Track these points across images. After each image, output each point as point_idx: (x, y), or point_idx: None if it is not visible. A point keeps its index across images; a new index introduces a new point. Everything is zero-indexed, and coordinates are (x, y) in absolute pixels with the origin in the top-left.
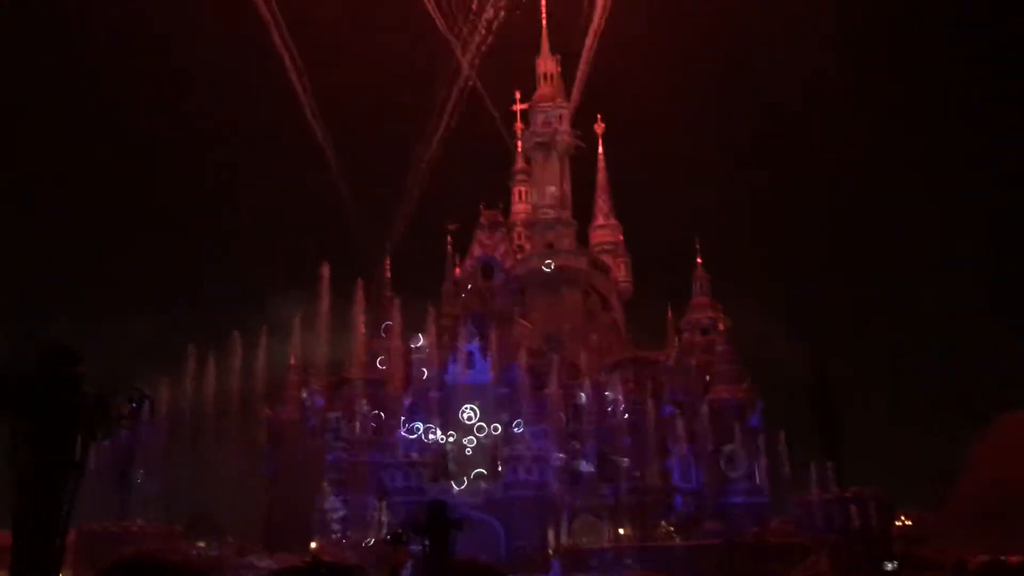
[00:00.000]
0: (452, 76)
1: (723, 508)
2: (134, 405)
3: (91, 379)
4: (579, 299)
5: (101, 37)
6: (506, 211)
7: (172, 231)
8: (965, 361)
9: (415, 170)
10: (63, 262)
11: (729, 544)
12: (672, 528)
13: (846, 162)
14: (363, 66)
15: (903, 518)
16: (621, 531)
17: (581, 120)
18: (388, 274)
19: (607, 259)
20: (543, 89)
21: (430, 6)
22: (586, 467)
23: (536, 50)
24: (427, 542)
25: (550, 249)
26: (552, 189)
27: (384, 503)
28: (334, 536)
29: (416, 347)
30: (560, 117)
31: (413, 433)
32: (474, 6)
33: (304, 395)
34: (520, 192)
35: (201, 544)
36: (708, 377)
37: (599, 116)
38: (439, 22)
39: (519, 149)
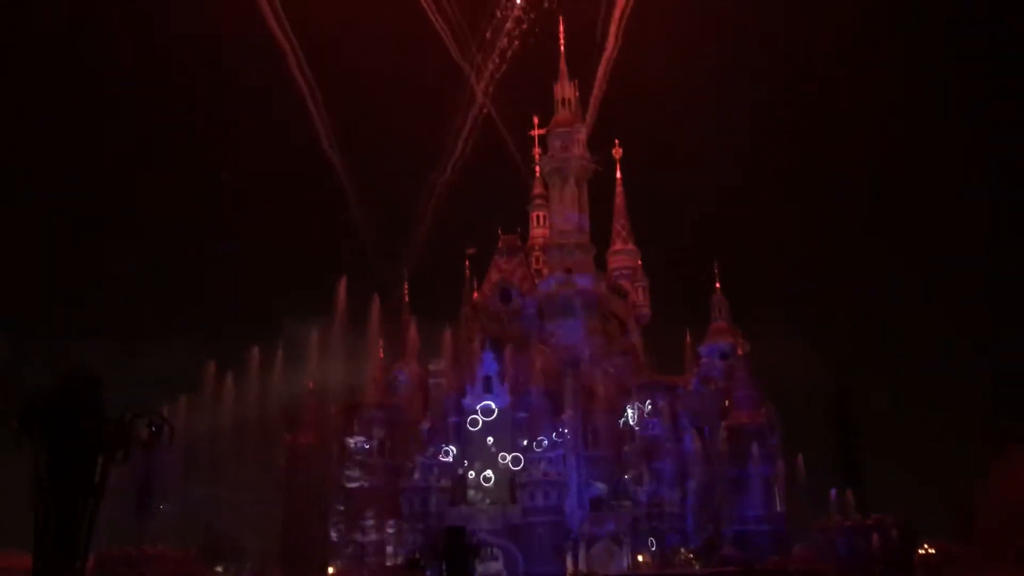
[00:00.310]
0: (467, 104)
1: (741, 534)
2: (153, 429)
3: (111, 404)
4: (597, 324)
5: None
6: (524, 236)
7: (187, 256)
8: (992, 387)
9: (429, 195)
10: (86, 290)
11: (748, 571)
12: (691, 555)
13: (868, 188)
14: (381, 92)
15: (926, 546)
16: (639, 557)
17: (599, 145)
18: (407, 298)
19: (625, 284)
20: (561, 114)
21: (447, 39)
22: (604, 492)
23: (554, 76)
24: (445, 567)
25: (568, 274)
26: (570, 214)
27: (402, 528)
28: (352, 561)
29: (433, 371)
30: (578, 142)
31: (430, 458)
32: (488, 35)
33: (322, 419)
34: (538, 217)
35: (219, 568)
36: (727, 402)
37: (616, 141)
38: (454, 53)
39: (537, 174)
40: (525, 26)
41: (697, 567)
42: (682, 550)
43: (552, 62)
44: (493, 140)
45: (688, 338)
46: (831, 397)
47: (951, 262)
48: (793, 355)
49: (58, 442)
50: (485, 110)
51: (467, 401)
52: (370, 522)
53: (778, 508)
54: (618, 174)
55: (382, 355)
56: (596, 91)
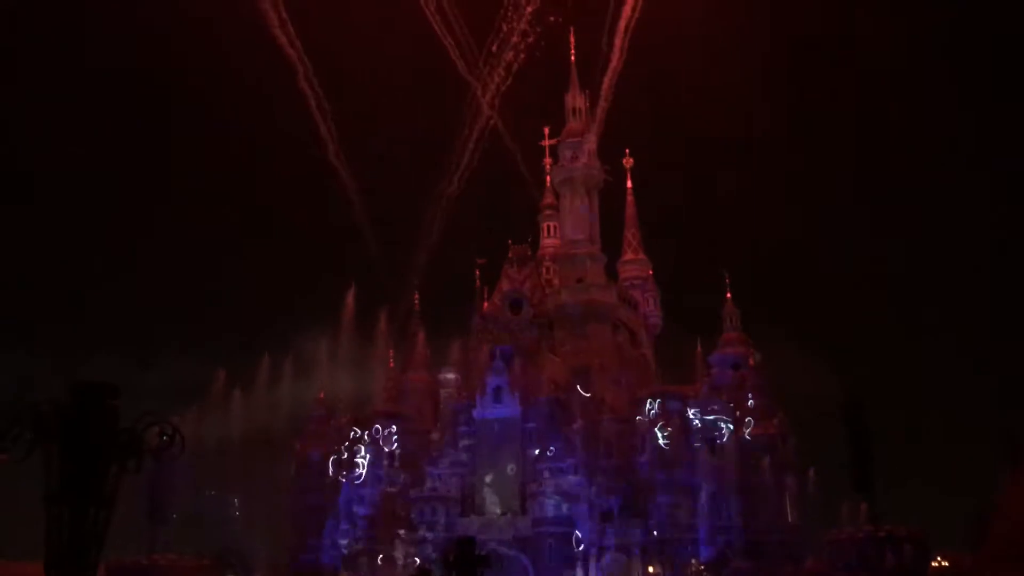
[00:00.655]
0: (474, 115)
1: (753, 546)
2: (165, 438)
3: (124, 415)
4: (608, 334)
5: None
6: (534, 246)
7: (198, 267)
8: (1008, 397)
9: (436, 205)
10: (99, 302)
11: None
12: (703, 567)
13: (881, 194)
14: (388, 103)
15: (939, 558)
16: (651, 569)
17: (609, 155)
18: (417, 307)
19: (636, 293)
20: (572, 124)
21: (453, 54)
22: (615, 503)
23: (562, 88)
24: None
25: (579, 284)
26: (581, 224)
27: (411, 538)
28: (361, 571)
29: (443, 381)
30: (589, 152)
31: (440, 468)
32: (495, 48)
33: (331, 429)
34: (548, 227)
35: None
36: (738, 412)
37: (627, 151)
38: (461, 67)
39: (548, 184)
40: (532, 40)
41: None
42: (693, 561)
43: (560, 74)
44: (503, 151)
45: (699, 348)
46: (843, 407)
47: (962, 272)
48: (806, 364)
49: (70, 452)
50: (492, 122)
51: (477, 411)
52: (380, 533)
53: (790, 519)
54: (628, 184)
55: (392, 365)
56: (603, 102)
